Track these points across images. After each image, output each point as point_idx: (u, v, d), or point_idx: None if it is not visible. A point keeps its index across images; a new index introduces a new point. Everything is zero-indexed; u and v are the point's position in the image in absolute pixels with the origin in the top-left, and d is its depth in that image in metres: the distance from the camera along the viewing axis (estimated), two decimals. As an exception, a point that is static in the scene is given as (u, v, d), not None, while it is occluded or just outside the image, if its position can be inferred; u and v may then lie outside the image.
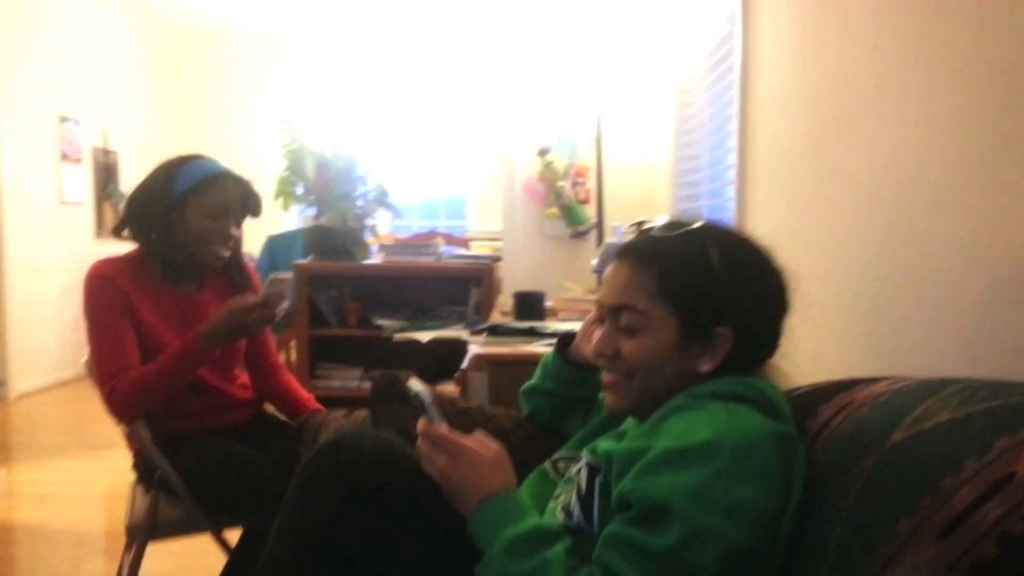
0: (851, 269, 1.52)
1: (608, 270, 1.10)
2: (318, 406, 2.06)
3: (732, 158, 2.42)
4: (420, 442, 1.04)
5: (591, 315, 1.35)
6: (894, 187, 1.35)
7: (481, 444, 1.05)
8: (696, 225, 1.08)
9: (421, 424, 1.06)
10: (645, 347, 1.03)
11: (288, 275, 1.90)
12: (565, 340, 1.44)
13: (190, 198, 1.84)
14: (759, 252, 1.07)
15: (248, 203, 1.93)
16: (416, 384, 1.09)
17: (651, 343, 1.03)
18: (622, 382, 1.07)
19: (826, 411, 1.02)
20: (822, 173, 1.70)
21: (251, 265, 2.08)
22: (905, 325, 1.31)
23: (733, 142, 2.40)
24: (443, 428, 1.05)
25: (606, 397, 1.11)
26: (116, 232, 1.92)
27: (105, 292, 1.79)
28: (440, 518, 1.01)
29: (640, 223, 1.12)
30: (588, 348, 1.36)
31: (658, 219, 1.12)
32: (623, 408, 1.10)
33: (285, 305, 1.84)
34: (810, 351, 1.14)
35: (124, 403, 1.76)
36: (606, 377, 1.10)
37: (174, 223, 1.85)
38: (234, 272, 2.01)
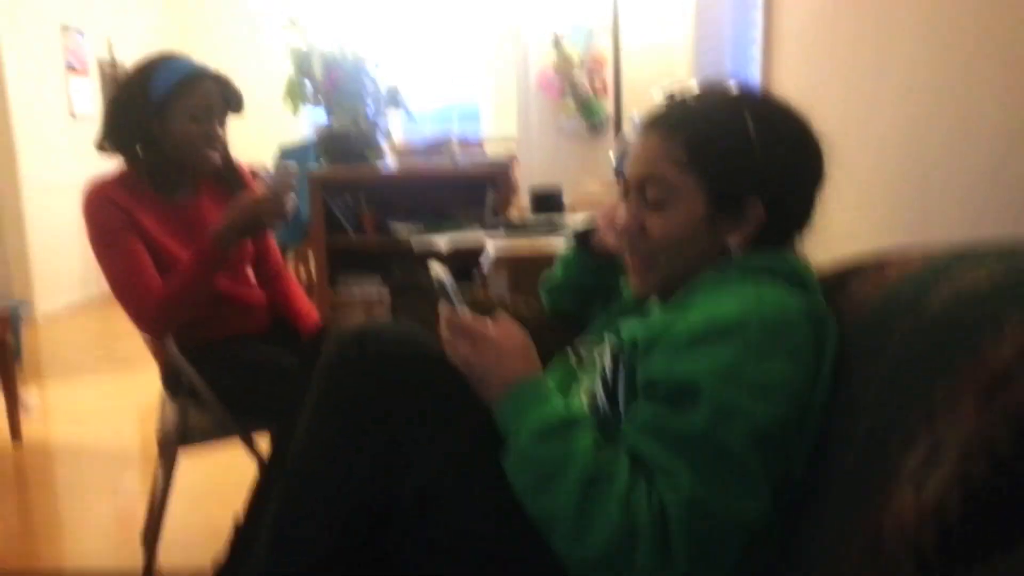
0: (890, 136, 1.45)
1: (634, 142, 1.05)
2: (316, 320, 2.02)
3: (757, 14, 2.29)
4: (442, 329, 1.02)
5: (610, 204, 1.30)
6: (936, 45, 1.26)
7: (505, 330, 1.02)
8: (729, 91, 1.02)
9: (443, 310, 1.03)
10: (672, 221, 0.99)
11: (292, 164, 1.84)
12: (585, 233, 1.40)
13: (169, 103, 1.77)
14: (796, 119, 1.01)
15: (230, 100, 1.86)
16: (437, 269, 1.05)
17: (678, 217, 0.99)
18: (646, 263, 1.03)
19: (856, 284, 0.98)
20: (861, 30, 1.60)
21: (243, 164, 2.03)
22: (944, 198, 1.26)
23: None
24: (465, 314, 1.02)
25: (630, 281, 1.08)
26: (99, 147, 1.86)
27: (108, 212, 1.75)
28: (468, 406, 0.99)
29: (668, 95, 1.06)
30: (609, 236, 1.32)
31: (686, 88, 1.05)
32: (648, 291, 1.06)
33: (293, 196, 1.80)
34: (842, 225, 1.10)
35: (154, 318, 1.75)
36: (630, 259, 1.06)
37: (156, 132, 1.78)
38: (227, 174, 1.95)
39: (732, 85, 1.03)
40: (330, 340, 1.02)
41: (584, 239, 1.38)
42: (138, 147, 1.81)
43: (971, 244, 0.84)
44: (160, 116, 1.77)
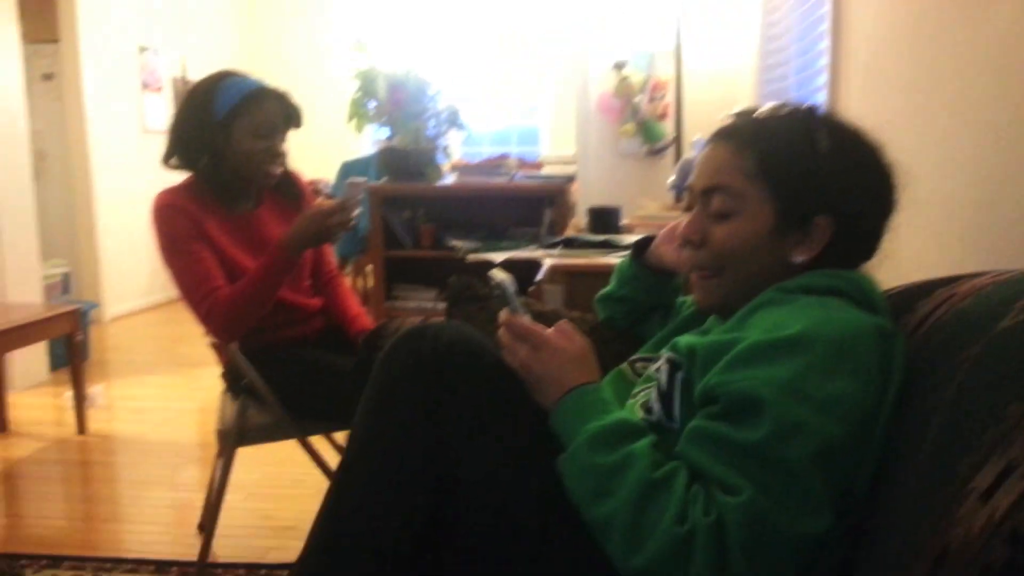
0: (959, 163, 1.42)
1: (702, 153, 1.05)
2: (367, 323, 2.05)
3: (824, 44, 2.27)
4: (502, 332, 1.02)
5: (673, 222, 1.30)
6: (1014, 74, 1.24)
7: (565, 336, 1.02)
8: (803, 109, 1.02)
9: (503, 315, 1.03)
10: (737, 233, 0.98)
11: (362, 178, 1.89)
12: (642, 244, 1.40)
13: (233, 120, 1.82)
14: (869, 143, 1.00)
15: (290, 116, 1.91)
16: (499, 274, 1.06)
17: (744, 228, 0.98)
18: (710, 275, 1.03)
19: (925, 306, 0.96)
20: (931, 60, 1.58)
21: (302, 176, 2.08)
22: (1015, 224, 1.23)
23: (825, 27, 2.25)
24: (526, 319, 1.03)
25: (694, 292, 1.07)
26: (165, 162, 1.93)
27: (176, 219, 1.80)
28: (524, 408, 0.99)
29: (739, 112, 1.06)
30: (668, 251, 1.31)
31: (760, 106, 1.05)
32: (712, 303, 1.05)
33: (360, 210, 1.83)
34: (910, 251, 1.08)
35: (223, 322, 1.80)
36: (693, 272, 1.05)
37: (221, 148, 1.84)
38: (285, 187, 2.00)
39: (807, 105, 1.03)
40: (388, 339, 1.03)
41: (641, 249, 1.37)
42: (204, 161, 1.86)
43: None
44: (224, 133, 1.83)
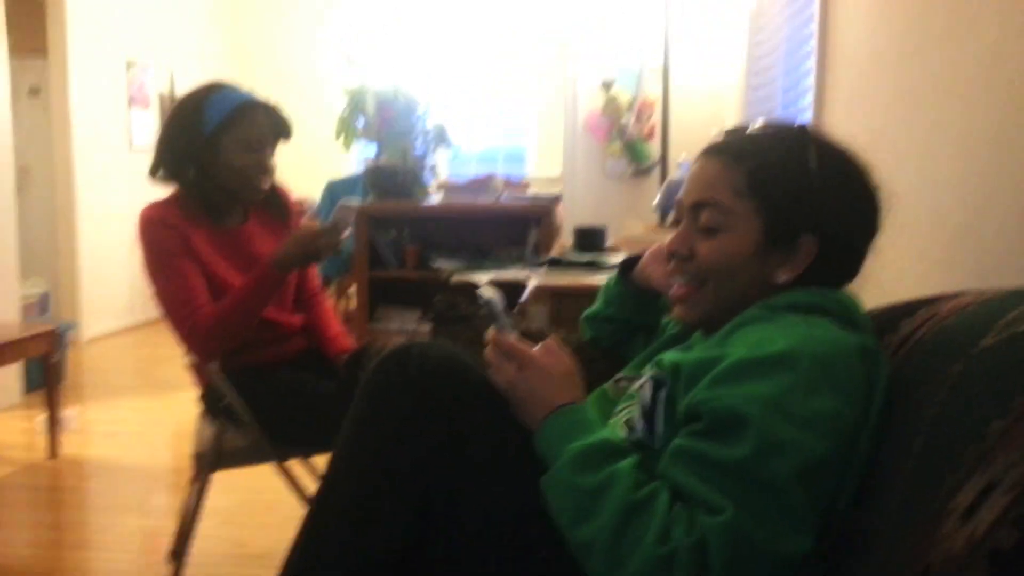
0: (941, 183, 1.43)
1: (692, 168, 1.05)
2: (346, 344, 2.01)
3: (810, 63, 2.29)
4: (489, 350, 1.02)
5: (658, 243, 1.30)
6: (997, 93, 1.25)
7: (551, 355, 1.02)
8: (794, 128, 1.02)
9: (491, 333, 1.03)
10: (723, 248, 0.98)
11: (355, 201, 1.88)
12: (629, 264, 1.39)
13: (221, 133, 1.80)
14: (858, 164, 1.00)
15: (280, 128, 1.89)
16: (488, 291, 1.05)
17: (730, 244, 0.98)
18: (694, 289, 1.02)
19: (908, 325, 0.97)
20: (914, 80, 1.60)
21: (288, 191, 2.06)
22: (996, 244, 1.23)
23: (811, 46, 2.26)
24: (513, 337, 1.02)
25: (676, 308, 1.07)
26: (151, 175, 1.90)
27: (163, 234, 1.78)
28: (508, 428, 0.99)
29: (731, 128, 1.06)
30: (654, 271, 1.31)
31: (752, 123, 1.05)
32: (694, 318, 1.05)
33: (349, 231, 1.82)
34: (893, 271, 1.08)
35: (205, 340, 1.77)
36: (677, 286, 1.05)
37: (209, 161, 1.82)
38: (272, 202, 1.98)
39: (797, 123, 1.03)
40: (373, 358, 1.02)
41: (627, 269, 1.37)
42: (190, 174, 1.84)
43: (1026, 287, 0.82)
44: (212, 146, 1.81)
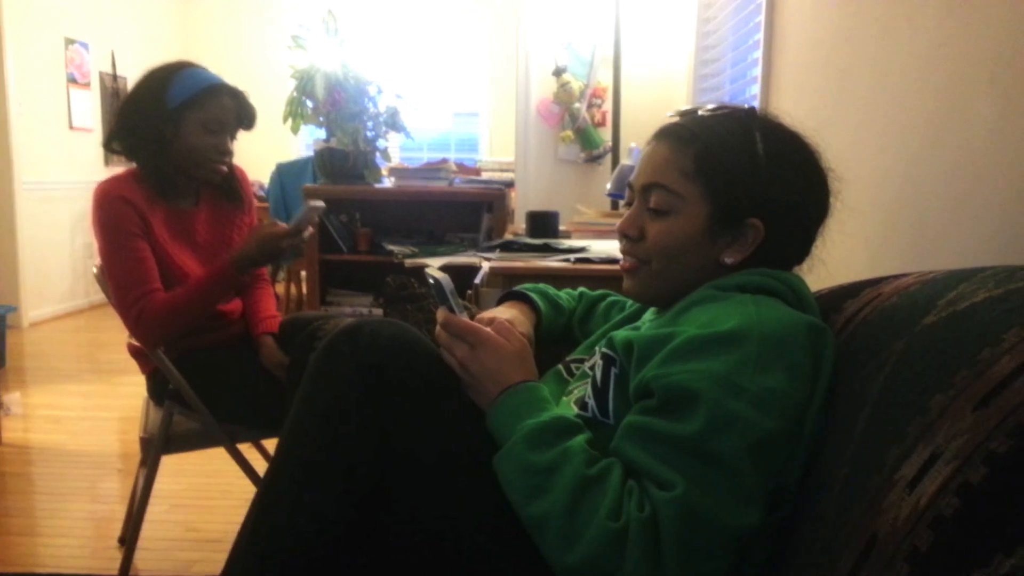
0: (885, 168, 1.46)
1: (644, 150, 1.06)
2: (273, 327, 1.94)
3: (757, 53, 2.32)
4: (439, 331, 1.01)
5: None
6: (932, 80, 1.29)
7: (503, 334, 1.02)
8: (743, 112, 1.03)
9: (441, 314, 1.02)
10: (672, 230, 1.00)
11: (321, 204, 1.84)
12: None
13: (185, 112, 1.78)
14: (807, 148, 1.02)
15: (243, 116, 1.87)
16: (436, 272, 1.05)
17: (679, 226, 0.99)
18: (640, 267, 1.04)
19: (852, 305, 0.99)
20: (853, 67, 1.63)
21: (246, 176, 2.03)
22: (936, 225, 1.27)
23: (759, 37, 2.30)
24: (463, 317, 1.02)
25: (624, 282, 1.08)
26: (106, 145, 1.86)
27: (122, 211, 1.74)
28: (462, 405, 0.99)
29: (683, 111, 1.07)
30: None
31: (701, 105, 1.07)
32: (641, 294, 1.07)
33: (311, 231, 1.82)
34: (840, 255, 1.10)
35: (152, 327, 1.74)
36: (624, 261, 1.06)
37: (169, 138, 1.79)
38: (228, 187, 1.95)
39: (747, 107, 1.04)
40: (324, 336, 1.01)
41: None
42: (149, 150, 1.80)
43: (967, 269, 0.85)
44: (174, 124, 1.78)
